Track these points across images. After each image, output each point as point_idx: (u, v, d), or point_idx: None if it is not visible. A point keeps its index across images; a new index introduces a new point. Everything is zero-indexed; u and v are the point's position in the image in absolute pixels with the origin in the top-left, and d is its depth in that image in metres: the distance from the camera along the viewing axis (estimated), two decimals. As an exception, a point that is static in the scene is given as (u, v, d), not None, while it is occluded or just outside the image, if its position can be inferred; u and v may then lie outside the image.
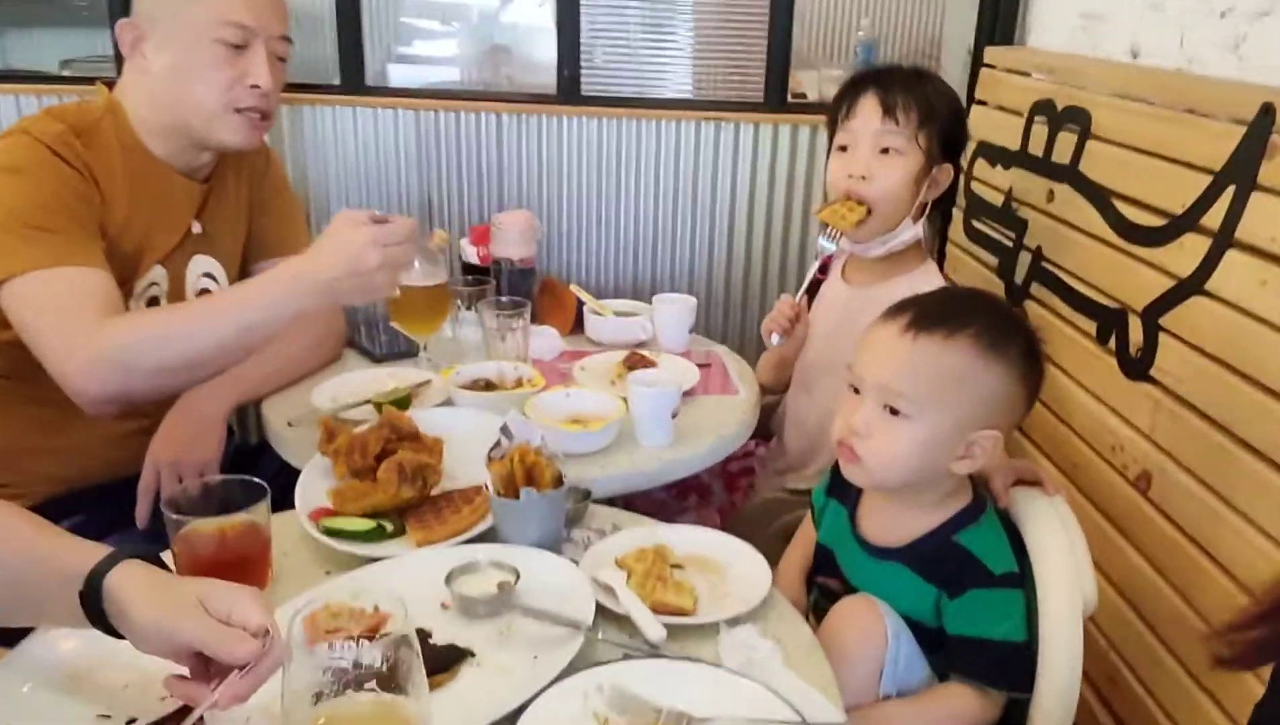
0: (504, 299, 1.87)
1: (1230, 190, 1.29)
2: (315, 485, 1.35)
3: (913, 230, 1.68)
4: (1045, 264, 1.76)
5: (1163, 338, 1.41)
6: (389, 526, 1.27)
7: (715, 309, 2.51)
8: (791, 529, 1.71)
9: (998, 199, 1.97)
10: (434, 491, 1.33)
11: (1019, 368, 1.17)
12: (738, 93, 2.40)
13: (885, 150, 1.64)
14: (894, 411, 1.16)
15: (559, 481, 1.25)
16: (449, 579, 1.13)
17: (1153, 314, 1.43)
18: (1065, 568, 1.16)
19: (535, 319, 1.94)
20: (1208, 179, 1.34)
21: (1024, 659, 1.16)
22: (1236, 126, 1.30)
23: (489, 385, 1.71)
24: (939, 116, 1.63)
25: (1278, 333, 1.19)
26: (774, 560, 1.23)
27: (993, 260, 1.97)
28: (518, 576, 1.13)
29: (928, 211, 1.69)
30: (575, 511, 1.34)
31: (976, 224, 2.05)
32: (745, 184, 2.39)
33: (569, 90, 2.37)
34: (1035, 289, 1.79)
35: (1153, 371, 1.42)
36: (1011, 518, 1.26)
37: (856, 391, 1.19)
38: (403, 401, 1.63)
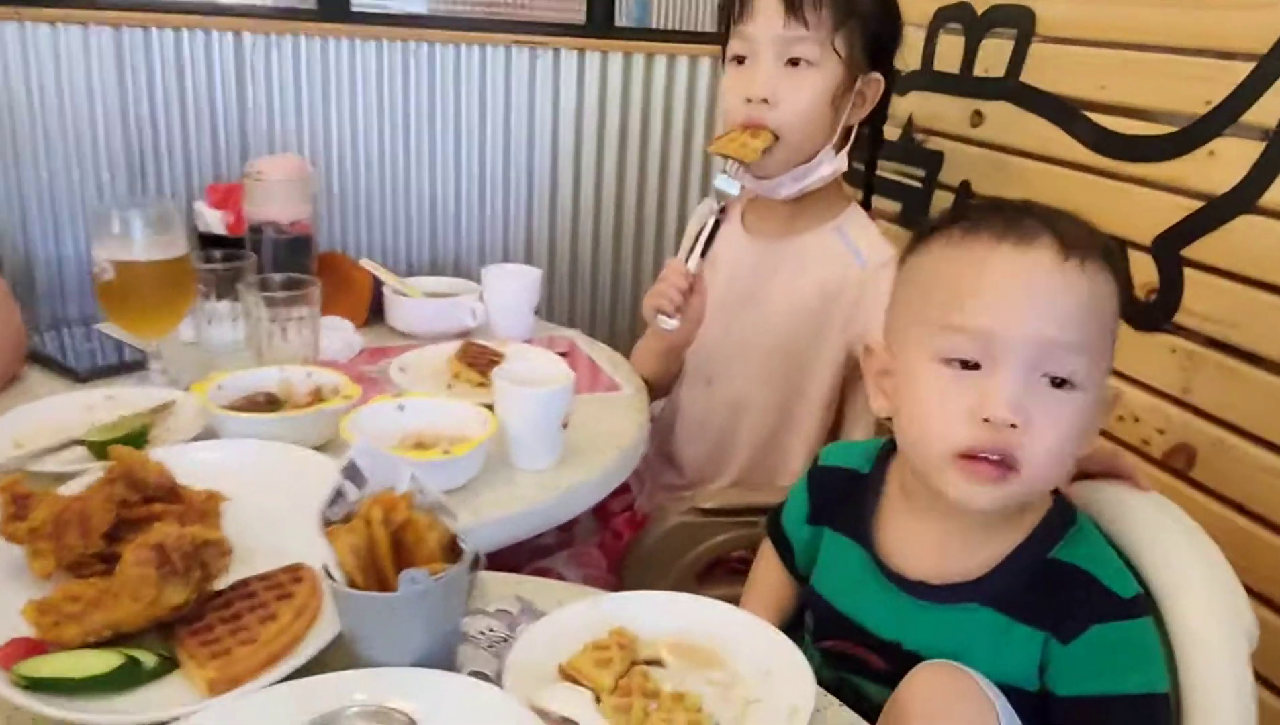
0: (279, 277, 1.31)
1: (1289, 75, 1.01)
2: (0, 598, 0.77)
3: (834, 163, 1.30)
4: (979, 202, 1.44)
5: (1189, 274, 1.11)
6: (147, 660, 0.72)
7: (556, 286, 2.03)
8: (705, 564, 1.29)
9: (892, 133, 1.64)
10: (219, 585, 0.78)
11: None
12: (555, 12, 1.93)
13: (793, 61, 1.25)
14: (1059, 382, 0.76)
15: (454, 549, 0.75)
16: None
17: (1171, 245, 1.14)
18: (1211, 592, 0.81)
19: (317, 307, 1.39)
20: (1244, 66, 1.06)
21: (1168, 721, 0.80)
22: (1284, -5, 1.02)
23: (272, 401, 1.16)
24: (860, 10, 1.25)
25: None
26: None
27: (892, 206, 1.64)
28: (417, 736, 0.63)
29: (854, 137, 1.32)
30: (464, 589, 0.84)
31: (858, 165, 1.71)
32: (570, 125, 1.94)
33: (333, 2, 1.80)
34: (966, 233, 1.47)
35: (1177, 317, 1.12)
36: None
37: (970, 366, 0.78)
38: (136, 438, 1.04)
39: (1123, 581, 0.80)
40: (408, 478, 0.76)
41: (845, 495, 0.94)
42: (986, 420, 0.74)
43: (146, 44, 1.76)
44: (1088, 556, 0.82)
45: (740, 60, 1.29)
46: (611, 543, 1.43)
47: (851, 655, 0.90)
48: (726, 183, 1.27)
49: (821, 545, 0.96)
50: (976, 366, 0.76)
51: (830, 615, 0.92)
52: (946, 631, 0.83)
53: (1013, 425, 0.74)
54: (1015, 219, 0.78)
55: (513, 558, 1.40)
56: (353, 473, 0.75)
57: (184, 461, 0.97)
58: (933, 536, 0.86)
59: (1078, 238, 0.77)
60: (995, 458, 0.75)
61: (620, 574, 1.33)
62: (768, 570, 1.04)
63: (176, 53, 1.78)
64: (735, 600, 1.09)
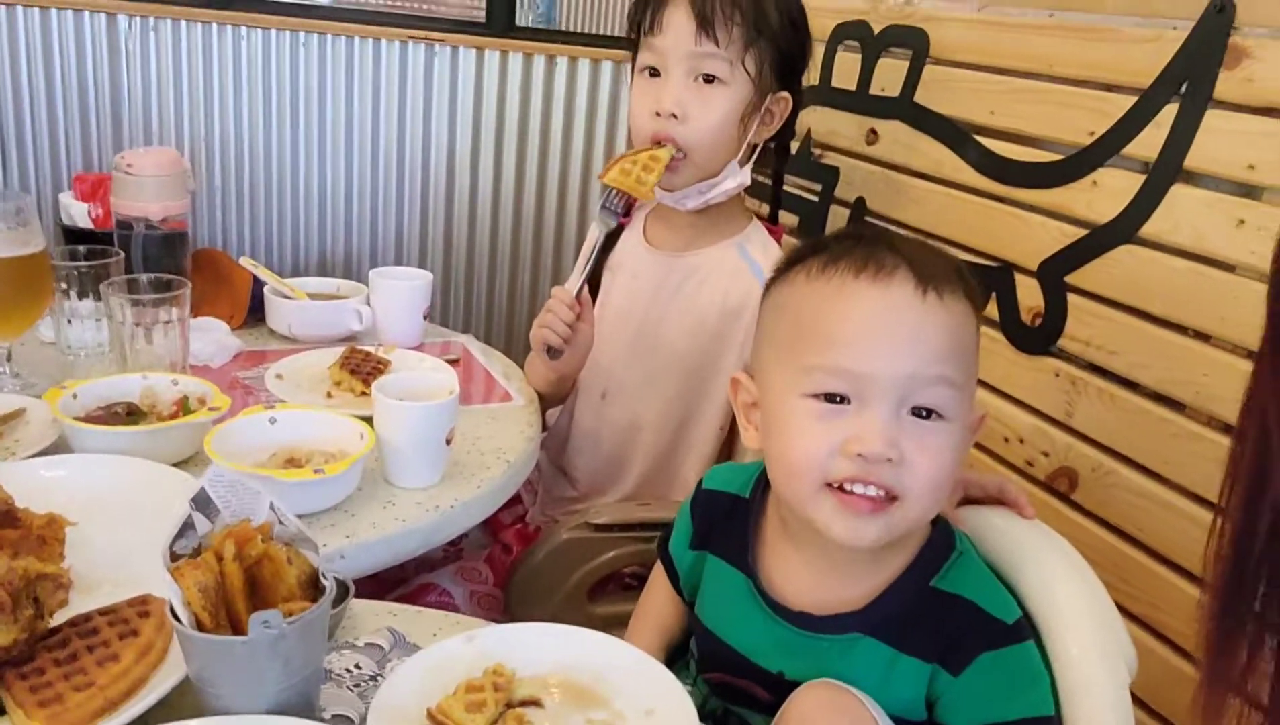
0: (145, 277, 1.23)
1: (1169, 110, 1.04)
2: None
3: (739, 176, 1.29)
4: (873, 218, 1.46)
5: (1073, 300, 1.13)
6: (-34, 708, 0.66)
7: (452, 290, 1.97)
8: (596, 580, 1.27)
9: (791, 147, 1.64)
10: (56, 620, 0.72)
11: None
12: (456, 9, 1.87)
13: (705, 78, 1.23)
14: (926, 413, 0.75)
15: (315, 584, 0.70)
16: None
17: (1055, 271, 1.15)
18: (1091, 620, 0.82)
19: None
20: (1126, 99, 1.08)
21: None
22: (1168, 31, 1.04)
23: (132, 412, 1.09)
24: (771, 30, 1.24)
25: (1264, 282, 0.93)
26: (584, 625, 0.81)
27: (790, 220, 1.64)
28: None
29: (757, 155, 1.31)
30: (330, 622, 0.80)
31: (762, 178, 1.71)
32: (468, 125, 1.88)
33: (215, -12, 1.72)
34: (861, 249, 1.48)
35: (1061, 342, 1.14)
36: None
37: (837, 400, 0.76)
38: (-23, 451, 0.96)
39: (1005, 607, 0.81)
40: (266, 507, 0.71)
41: (727, 521, 0.92)
42: (860, 455, 0.74)
43: (10, 21, 1.64)
44: (969, 584, 0.82)
45: (650, 72, 1.27)
46: (500, 557, 1.39)
47: (736, 687, 0.89)
48: (606, 216, 1.26)
49: (704, 572, 0.93)
50: (844, 401, 0.76)
51: (714, 646, 0.90)
52: (830, 663, 0.82)
53: (889, 459, 0.73)
54: (872, 252, 0.77)
55: (398, 571, 1.36)
56: (203, 503, 0.69)
57: (28, 479, 0.90)
58: (813, 566, 0.85)
59: (932, 268, 0.77)
60: (873, 493, 0.75)
61: (507, 591, 1.30)
62: (657, 594, 1.02)
63: (44, 33, 1.66)
64: (627, 617, 1.08)
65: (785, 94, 1.27)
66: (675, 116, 1.23)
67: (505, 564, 1.36)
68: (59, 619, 0.73)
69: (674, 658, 0.99)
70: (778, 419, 0.80)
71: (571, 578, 1.27)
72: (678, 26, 1.22)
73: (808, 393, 0.77)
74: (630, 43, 1.29)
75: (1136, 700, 1.02)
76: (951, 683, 0.79)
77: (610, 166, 1.25)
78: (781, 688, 0.83)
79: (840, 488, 0.75)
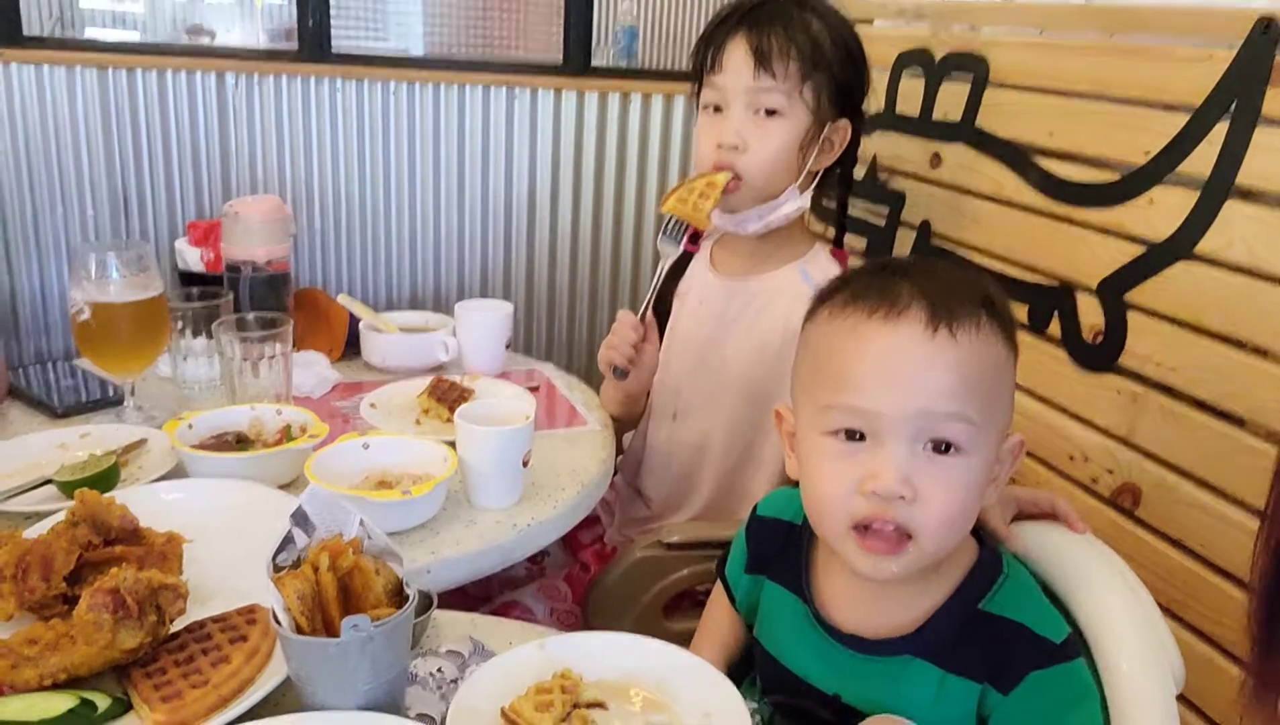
0: (252, 316, 1.34)
1: (1220, 128, 1.05)
2: (-43, 639, 0.80)
3: (798, 201, 1.33)
4: (938, 241, 1.48)
5: (1132, 317, 1.15)
6: (101, 703, 0.75)
7: (534, 320, 2.07)
8: (670, 597, 1.31)
9: (858, 172, 1.67)
10: (176, 626, 0.81)
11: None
12: (531, 53, 1.97)
13: (766, 111, 1.29)
14: (944, 447, 0.78)
15: (400, 593, 0.78)
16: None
17: (1114, 289, 1.17)
18: (1140, 634, 0.84)
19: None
20: (1180, 118, 1.10)
21: None
22: (1218, 51, 1.06)
23: (241, 441, 1.19)
24: (827, 62, 1.28)
25: (1319, 298, 0.94)
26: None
27: (859, 242, 1.67)
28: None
29: (817, 181, 1.36)
30: (415, 630, 0.87)
31: (828, 202, 1.75)
32: (547, 163, 1.97)
33: (314, 44, 1.84)
34: (927, 271, 1.51)
35: (1122, 359, 1.16)
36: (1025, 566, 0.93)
37: (855, 437, 0.81)
38: (105, 478, 1.07)
39: (1053, 626, 0.82)
40: (356, 523, 0.79)
41: (782, 547, 0.95)
42: (875, 492, 0.76)
43: (130, 84, 1.79)
44: (1016, 606, 0.83)
45: (713, 109, 1.33)
46: (579, 575, 1.45)
47: (799, 708, 0.91)
48: (667, 243, 1.32)
49: (762, 596, 0.96)
50: (861, 437, 0.78)
51: (774, 669, 0.93)
52: (884, 684, 0.85)
53: (901, 497, 0.76)
54: (891, 287, 0.79)
55: (484, 589, 1.43)
56: (301, 519, 0.77)
57: (150, 501, 1.00)
58: (863, 590, 0.87)
59: (949, 303, 0.77)
60: (890, 528, 0.77)
61: (585, 608, 1.36)
62: (718, 612, 1.04)
63: (160, 92, 1.80)
64: (699, 633, 1.13)
65: (844, 122, 1.31)
66: (736, 147, 1.29)
67: (584, 582, 1.42)
68: (178, 625, 0.81)
69: (737, 673, 1.03)
70: (805, 456, 0.83)
71: (646, 595, 1.32)
72: (737, 64, 1.28)
73: (827, 430, 0.79)
74: (693, 82, 1.35)
75: (1199, 714, 1.03)
76: (1002, 701, 0.80)
77: (669, 195, 1.32)
78: (840, 710, 0.86)
79: (863, 527, 0.78)
